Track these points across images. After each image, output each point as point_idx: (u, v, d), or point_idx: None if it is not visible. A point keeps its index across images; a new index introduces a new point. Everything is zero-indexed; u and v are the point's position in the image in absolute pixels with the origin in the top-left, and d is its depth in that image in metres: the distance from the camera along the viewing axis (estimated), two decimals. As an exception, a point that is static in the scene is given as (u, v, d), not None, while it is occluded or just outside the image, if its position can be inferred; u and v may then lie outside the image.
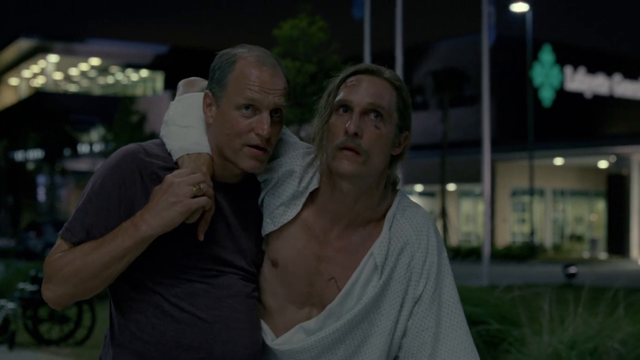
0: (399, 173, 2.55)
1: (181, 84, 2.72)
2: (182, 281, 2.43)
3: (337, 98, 2.43)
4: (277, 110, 2.45)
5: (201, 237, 2.42)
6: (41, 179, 58.73)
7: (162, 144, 2.54)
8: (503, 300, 7.52)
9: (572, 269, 21.12)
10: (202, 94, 2.55)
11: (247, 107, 2.40)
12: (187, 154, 2.46)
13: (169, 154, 2.50)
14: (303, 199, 2.51)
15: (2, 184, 56.44)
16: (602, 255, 38.40)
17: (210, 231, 2.45)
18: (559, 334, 6.14)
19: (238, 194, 2.55)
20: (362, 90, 2.41)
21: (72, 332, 12.01)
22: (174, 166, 2.47)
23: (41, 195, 59.28)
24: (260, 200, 2.58)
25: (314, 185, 2.50)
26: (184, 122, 2.53)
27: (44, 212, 53.31)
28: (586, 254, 39.12)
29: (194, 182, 2.34)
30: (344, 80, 2.46)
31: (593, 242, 39.61)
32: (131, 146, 2.51)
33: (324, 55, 14.35)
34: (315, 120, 2.50)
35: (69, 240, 2.42)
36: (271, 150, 2.48)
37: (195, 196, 2.34)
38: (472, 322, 6.87)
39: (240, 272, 2.51)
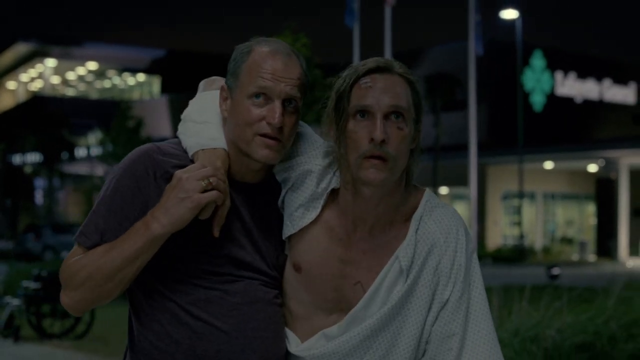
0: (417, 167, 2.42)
1: (202, 83, 2.65)
2: (197, 288, 2.33)
3: (353, 103, 2.27)
4: (290, 101, 2.35)
5: (216, 233, 2.32)
6: (39, 182, 58.61)
7: (179, 143, 2.45)
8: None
9: (555, 270, 21.66)
10: (217, 92, 2.49)
11: (258, 95, 2.32)
12: (202, 150, 2.38)
13: (185, 152, 2.42)
14: (322, 201, 2.38)
15: (0, 187, 56.53)
16: (591, 257, 38.55)
17: (227, 232, 2.35)
18: (506, 324, 6.82)
19: (258, 195, 2.44)
20: (379, 93, 2.26)
21: (72, 327, 12.51)
22: (189, 164, 2.36)
23: (39, 198, 59.27)
24: (280, 200, 2.47)
25: (333, 185, 2.37)
26: (201, 118, 2.46)
27: (42, 215, 53.46)
28: (575, 257, 39.21)
29: (203, 177, 2.25)
30: (355, 81, 2.30)
31: (582, 245, 39.70)
32: (145, 146, 2.42)
33: (307, 70, 15.03)
34: (325, 125, 2.36)
35: (83, 244, 2.33)
36: (287, 142, 2.38)
37: (205, 191, 2.24)
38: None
39: (261, 277, 2.40)
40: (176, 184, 2.25)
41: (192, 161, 2.38)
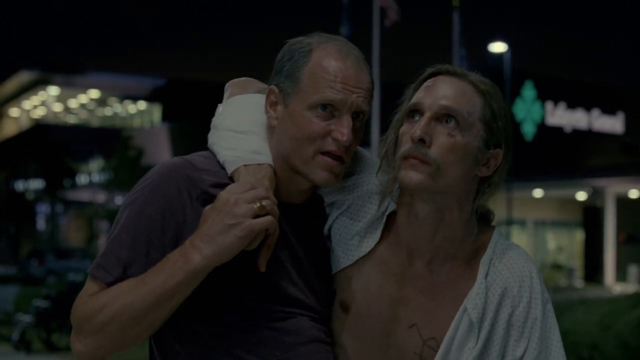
0: (489, 202, 2.08)
1: (230, 85, 2.25)
2: (247, 328, 1.96)
3: (409, 102, 2.02)
4: (358, 115, 2.00)
5: (262, 268, 1.93)
6: (41, 208, 58.72)
7: (212, 156, 2.06)
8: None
9: (534, 294, 22.52)
10: (259, 96, 2.12)
11: (324, 107, 1.96)
12: (245, 166, 1.99)
13: (222, 167, 2.03)
14: (381, 226, 2.07)
15: (3, 213, 56.68)
16: (579, 283, 38.79)
17: (274, 262, 1.97)
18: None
19: (303, 218, 2.09)
20: (436, 92, 1.98)
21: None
22: (228, 182, 1.98)
23: (41, 224, 59.36)
24: (327, 227, 2.12)
25: (391, 207, 2.06)
26: (241, 127, 2.07)
27: (44, 240, 53.73)
28: (564, 282, 39.25)
29: (254, 198, 1.86)
30: (421, 83, 2.04)
31: (570, 271, 39.94)
32: (175, 160, 2.02)
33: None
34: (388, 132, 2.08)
35: (102, 279, 1.91)
36: (348, 163, 2.04)
37: (257, 216, 1.86)
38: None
39: (310, 314, 2.04)
40: (222, 207, 1.86)
41: (230, 179, 2.00)
